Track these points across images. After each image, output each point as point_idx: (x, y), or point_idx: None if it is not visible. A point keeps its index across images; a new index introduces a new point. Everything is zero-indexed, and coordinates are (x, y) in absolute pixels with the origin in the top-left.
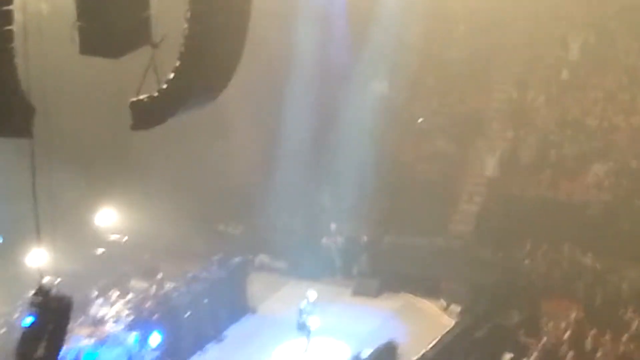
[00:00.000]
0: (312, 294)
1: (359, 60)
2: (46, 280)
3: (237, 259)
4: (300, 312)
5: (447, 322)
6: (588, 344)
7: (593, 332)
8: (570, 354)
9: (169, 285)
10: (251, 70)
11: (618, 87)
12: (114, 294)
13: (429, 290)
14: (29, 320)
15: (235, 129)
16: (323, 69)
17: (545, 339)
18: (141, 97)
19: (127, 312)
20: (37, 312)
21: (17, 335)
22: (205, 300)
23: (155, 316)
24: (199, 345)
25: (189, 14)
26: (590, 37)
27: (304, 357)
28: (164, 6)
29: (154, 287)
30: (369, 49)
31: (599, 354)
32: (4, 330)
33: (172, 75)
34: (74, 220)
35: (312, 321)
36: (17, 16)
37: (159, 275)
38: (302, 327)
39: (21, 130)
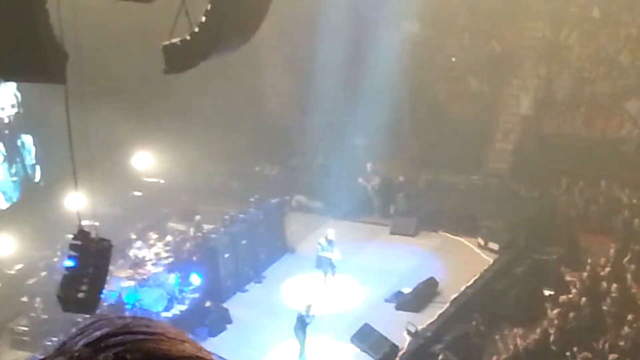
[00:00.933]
0: (330, 231)
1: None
2: (85, 223)
3: (274, 200)
4: (319, 248)
5: (486, 259)
6: (628, 279)
7: (632, 267)
8: (610, 288)
9: (207, 227)
10: (283, 12)
11: None
12: (153, 236)
13: (467, 228)
14: (69, 263)
15: (269, 70)
16: (355, 9)
17: (585, 274)
18: (174, 40)
19: (166, 254)
20: (77, 256)
21: (58, 278)
22: (244, 241)
23: (195, 258)
24: (239, 285)
25: None
26: None
27: (323, 293)
28: None
29: (192, 229)
30: None
31: (639, 288)
32: (45, 273)
33: (203, 19)
34: (111, 163)
35: (333, 257)
36: None
37: (197, 217)
38: (321, 264)
39: (55, 75)
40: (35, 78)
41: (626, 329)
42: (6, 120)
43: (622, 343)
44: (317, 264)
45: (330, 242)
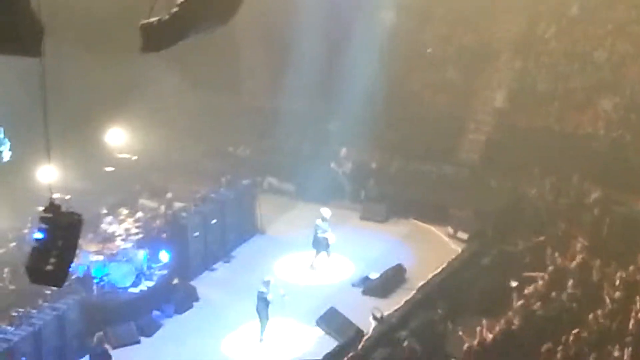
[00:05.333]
0: (326, 210)
1: None
2: (56, 196)
3: (245, 181)
4: (316, 228)
5: (454, 248)
6: (594, 274)
7: (598, 262)
8: (576, 282)
9: (178, 205)
10: None
11: (627, 20)
12: (123, 212)
13: (437, 217)
14: (39, 235)
15: (245, 52)
16: None
17: (551, 267)
18: (152, 19)
19: (136, 230)
20: (47, 228)
21: (27, 249)
22: (214, 221)
23: (164, 235)
24: (207, 264)
25: None
26: None
27: (310, 272)
28: None
29: (163, 206)
30: None
31: (604, 284)
32: (14, 244)
33: None
34: (84, 138)
35: (329, 237)
36: None
37: (168, 195)
38: (318, 243)
39: (30, 49)
40: (9, 51)
41: (591, 321)
42: None
43: (585, 335)
44: (314, 244)
45: (325, 221)
